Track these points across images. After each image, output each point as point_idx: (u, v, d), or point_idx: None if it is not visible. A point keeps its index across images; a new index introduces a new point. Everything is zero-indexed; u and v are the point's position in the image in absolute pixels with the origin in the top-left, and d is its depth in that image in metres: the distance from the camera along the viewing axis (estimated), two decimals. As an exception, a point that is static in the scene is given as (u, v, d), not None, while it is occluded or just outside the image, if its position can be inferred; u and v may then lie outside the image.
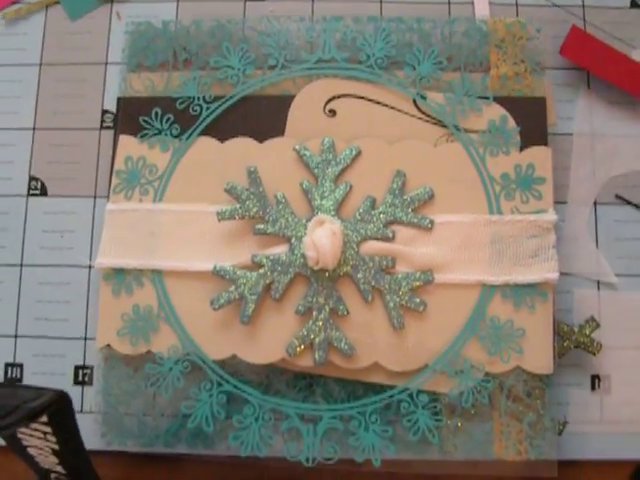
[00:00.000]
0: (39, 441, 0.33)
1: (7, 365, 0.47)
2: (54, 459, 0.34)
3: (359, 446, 0.42)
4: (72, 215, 0.48)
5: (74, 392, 0.46)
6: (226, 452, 0.44)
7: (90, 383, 0.46)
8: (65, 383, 0.46)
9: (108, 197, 0.46)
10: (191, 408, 0.43)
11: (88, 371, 0.46)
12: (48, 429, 0.32)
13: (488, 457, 0.43)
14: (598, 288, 0.46)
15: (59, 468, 0.35)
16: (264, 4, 0.50)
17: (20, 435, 0.33)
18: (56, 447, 0.34)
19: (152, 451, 0.44)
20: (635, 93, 0.48)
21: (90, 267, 0.47)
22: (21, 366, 0.47)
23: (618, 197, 0.47)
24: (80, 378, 0.47)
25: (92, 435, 0.44)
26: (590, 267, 0.47)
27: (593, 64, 0.48)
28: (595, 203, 0.47)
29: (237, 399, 0.44)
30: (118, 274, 0.45)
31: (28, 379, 0.46)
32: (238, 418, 0.43)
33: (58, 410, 0.32)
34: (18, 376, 0.47)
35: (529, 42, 0.47)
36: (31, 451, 0.34)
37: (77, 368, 0.47)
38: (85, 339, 0.47)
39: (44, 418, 0.32)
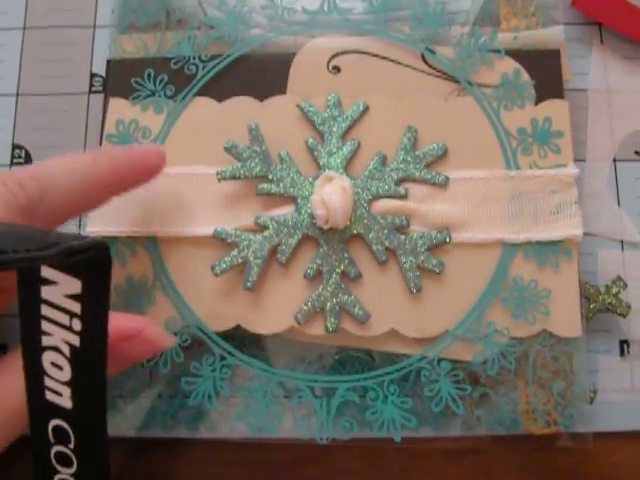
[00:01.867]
0: (60, 337, 0.28)
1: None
2: (66, 391, 0.29)
3: (377, 420, 0.39)
4: (59, 184, 0.45)
5: (63, 373, 0.42)
6: (231, 434, 0.40)
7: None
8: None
9: (98, 163, 0.43)
10: (192, 385, 0.40)
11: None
12: (76, 307, 0.27)
13: (515, 430, 0.40)
14: (622, 249, 0.44)
15: (68, 404, 0.30)
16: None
17: (43, 322, 0.28)
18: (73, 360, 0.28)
19: (149, 435, 0.40)
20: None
21: (79, 238, 0.44)
22: (4, 347, 0.43)
23: (637, 153, 0.45)
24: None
25: (83, 419, 0.40)
26: (613, 226, 0.44)
27: (605, 16, 0.46)
28: (615, 160, 0.45)
29: (242, 373, 0.40)
30: (110, 243, 0.41)
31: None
32: (244, 394, 0.40)
33: (99, 261, 0.26)
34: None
35: (539, -5, 0.45)
36: (45, 366, 0.29)
37: (66, 347, 0.43)
38: (74, 316, 0.43)
39: (76, 284, 0.26)
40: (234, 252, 0.40)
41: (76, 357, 0.28)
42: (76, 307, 0.27)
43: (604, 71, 0.47)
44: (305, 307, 0.40)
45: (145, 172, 0.38)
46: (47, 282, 0.27)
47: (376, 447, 0.40)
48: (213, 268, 0.40)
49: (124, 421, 0.40)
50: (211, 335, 0.40)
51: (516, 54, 0.44)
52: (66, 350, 0.28)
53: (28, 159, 0.45)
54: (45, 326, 0.28)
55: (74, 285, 0.27)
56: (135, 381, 0.41)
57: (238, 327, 0.40)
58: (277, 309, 0.40)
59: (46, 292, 0.27)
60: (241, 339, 0.40)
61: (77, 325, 0.27)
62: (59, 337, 0.28)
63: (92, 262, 0.26)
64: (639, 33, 0.46)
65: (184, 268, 0.41)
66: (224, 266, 0.40)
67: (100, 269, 0.27)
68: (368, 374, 0.40)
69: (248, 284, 0.40)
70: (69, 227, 0.44)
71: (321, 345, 0.41)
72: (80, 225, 0.44)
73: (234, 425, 0.40)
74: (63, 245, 0.25)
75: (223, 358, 0.40)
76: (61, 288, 0.27)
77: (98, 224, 0.42)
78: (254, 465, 0.41)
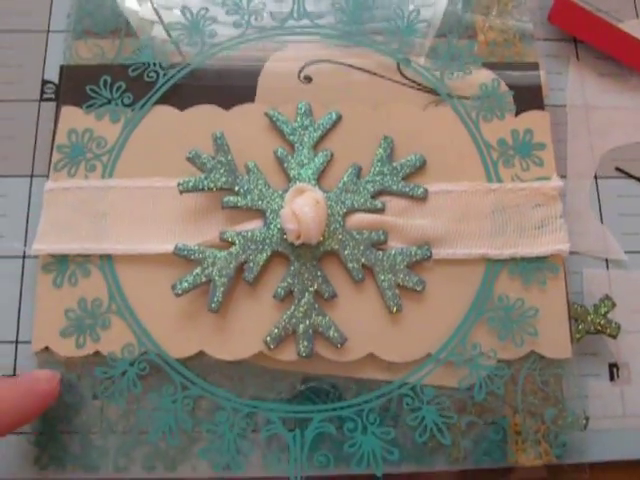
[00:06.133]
0: None
1: None
2: None
3: (357, 453, 0.35)
4: (3, 198, 0.40)
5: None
6: (193, 474, 0.36)
7: (22, 396, 0.38)
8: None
9: (48, 175, 0.39)
10: (149, 418, 0.36)
11: (20, 381, 0.38)
12: None
13: (505, 462, 0.37)
14: (607, 267, 0.42)
15: None
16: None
17: None
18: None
19: (98, 477, 0.36)
20: (625, 60, 0.45)
21: (24, 257, 0.39)
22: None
23: (618, 170, 0.44)
24: (10, 391, 0.38)
25: (23, 460, 0.36)
26: (597, 245, 0.42)
27: (582, 31, 0.45)
28: (596, 177, 0.43)
29: (206, 405, 0.36)
30: (60, 262, 0.38)
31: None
32: (208, 428, 0.36)
33: None
34: None
35: (515, 8, 0.44)
36: None
37: (6, 378, 0.38)
38: (16, 343, 0.38)
39: None
40: (197, 270, 0.36)
41: None
42: None
43: (581, 87, 0.45)
44: (275, 330, 0.36)
45: (36, 402, 0.34)
46: None
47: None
48: (174, 288, 0.36)
49: (70, 461, 0.36)
50: (171, 362, 0.36)
51: (494, 66, 0.42)
52: None
53: (-30, 171, 0.41)
54: None
55: None
56: (84, 415, 0.37)
57: (201, 353, 0.36)
58: (244, 332, 0.37)
59: None
60: (205, 366, 0.37)
61: None
62: None
63: None
64: (614, 48, 0.45)
65: (142, 289, 0.37)
66: (186, 285, 0.36)
67: None
68: (345, 403, 0.36)
69: (212, 305, 0.36)
70: (13, 246, 0.40)
71: (293, 372, 0.37)
72: (26, 242, 0.39)
73: (197, 463, 0.36)
74: None
75: (185, 388, 0.36)
76: None
77: (46, 241, 0.38)
78: (218, 508, 0.37)
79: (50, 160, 0.40)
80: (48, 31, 0.44)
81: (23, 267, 0.39)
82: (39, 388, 0.34)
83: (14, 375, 0.38)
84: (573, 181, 0.43)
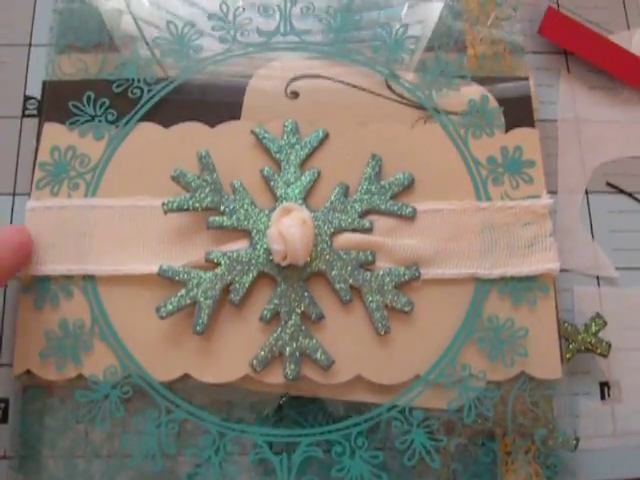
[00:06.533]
0: None
1: None
2: None
3: (345, 477, 0.35)
4: (-16, 217, 0.40)
5: (-16, 432, 0.37)
6: (178, 499, 0.36)
7: (4, 421, 0.37)
8: (-28, 422, 0.37)
9: (30, 194, 0.39)
10: (133, 443, 0.35)
11: (2, 405, 0.37)
12: None
13: (495, 485, 0.36)
14: (598, 284, 0.41)
15: None
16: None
17: None
18: None
19: (83, 503, 0.36)
20: (616, 73, 0.45)
21: (6, 278, 0.39)
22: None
23: (609, 185, 0.43)
24: (-9, 415, 0.37)
25: (6, 486, 0.35)
26: (588, 261, 0.42)
27: (573, 44, 0.45)
28: (587, 192, 0.43)
29: (191, 429, 0.36)
30: (41, 283, 0.37)
31: None
32: (193, 452, 0.35)
33: None
34: None
35: (505, 22, 0.44)
36: None
37: (-13, 403, 0.38)
38: (-3, 366, 0.38)
39: None
40: (182, 292, 0.36)
41: None
42: None
43: (572, 100, 0.45)
44: (262, 353, 0.36)
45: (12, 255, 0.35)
46: None
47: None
48: (158, 310, 0.35)
49: (54, 487, 0.35)
50: (155, 386, 0.36)
51: (484, 81, 0.42)
52: None
53: (-50, 189, 0.40)
54: None
55: None
56: (68, 440, 0.36)
57: (186, 376, 0.36)
58: (230, 355, 0.36)
59: None
60: (190, 389, 0.36)
61: None
62: None
63: None
64: (605, 61, 0.44)
65: (126, 311, 0.37)
66: (170, 307, 0.35)
67: None
68: (333, 426, 0.36)
69: (198, 327, 0.35)
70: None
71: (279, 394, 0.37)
72: (7, 264, 0.39)
73: (182, 488, 0.35)
74: None
75: (169, 412, 0.35)
76: None
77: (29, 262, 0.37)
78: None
79: (32, 178, 0.39)
80: (30, 44, 0.43)
81: (5, 289, 0.39)
82: (13, 241, 0.36)
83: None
84: (564, 196, 0.43)
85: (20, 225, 0.38)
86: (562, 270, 0.40)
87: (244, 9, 0.42)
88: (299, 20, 0.42)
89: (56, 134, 0.40)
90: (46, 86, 0.41)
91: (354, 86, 0.41)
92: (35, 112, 0.42)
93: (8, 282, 0.38)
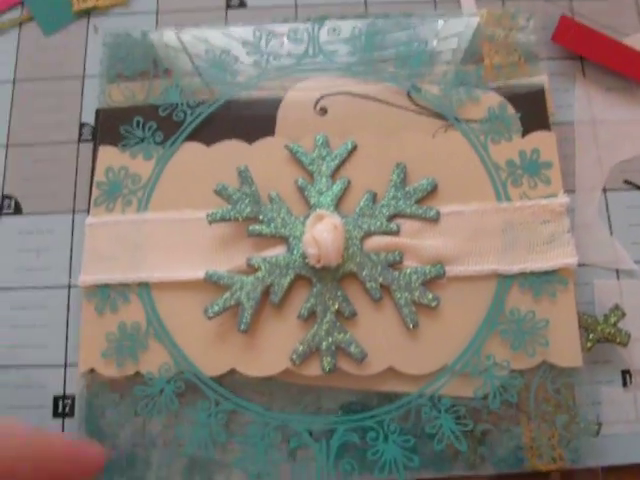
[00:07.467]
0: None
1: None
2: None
3: (379, 460, 0.38)
4: (49, 233, 0.44)
5: (53, 426, 0.41)
6: (229, 484, 0.39)
7: (71, 414, 0.41)
8: (44, 416, 0.41)
9: (88, 211, 0.43)
10: (187, 433, 0.39)
11: (69, 401, 0.41)
12: None
13: (521, 467, 0.39)
14: (618, 277, 0.43)
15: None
16: (246, 11, 0.49)
17: None
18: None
19: (143, 487, 0.39)
20: (632, 75, 0.46)
21: (70, 287, 0.43)
22: (-7, 400, 0.42)
23: (627, 182, 0.45)
24: (60, 409, 0.41)
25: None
26: (607, 255, 0.44)
27: (587, 50, 0.47)
28: (604, 190, 0.45)
29: (239, 419, 0.39)
30: (102, 291, 0.41)
31: (2, 413, 0.41)
32: (241, 440, 0.39)
33: None
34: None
35: (520, 32, 0.46)
36: None
37: (56, 399, 0.41)
38: (65, 366, 0.42)
39: None
40: (227, 294, 0.39)
41: None
42: None
43: (588, 103, 0.47)
44: (300, 347, 0.39)
45: (82, 470, 0.34)
46: None
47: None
48: (206, 311, 0.39)
49: (117, 473, 0.39)
50: (205, 380, 0.39)
51: (501, 89, 0.44)
52: None
53: (18, 209, 0.45)
54: None
55: None
56: (127, 431, 0.40)
57: (233, 371, 0.39)
58: (272, 351, 0.39)
59: None
60: (236, 383, 0.40)
61: None
62: None
63: None
64: (619, 64, 0.46)
65: (177, 313, 0.41)
66: (217, 309, 0.39)
67: None
68: (367, 414, 0.39)
69: (242, 326, 0.39)
70: (59, 277, 0.43)
71: (318, 386, 0.40)
72: (70, 274, 0.43)
73: (231, 473, 0.39)
74: None
75: (218, 403, 0.39)
76: None
77: (89, 272, 0.41)
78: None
79: (90, 196, 0.43)
80: (84, 76, 0.48)
81: (69, 296, 0.43)
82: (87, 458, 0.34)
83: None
84: (582, 195, 0.45)
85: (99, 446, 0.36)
86: (582, 265, 0.42)
87: (275, 35, 0.46)
88: (326, 42, 0.45)
89: (110, 156, 0.44)
90: (99, 113, 0.45)
91: (378, 100, 0.44)
92: (90, 137, 0.46)
93: (72, 293, 0.43)
